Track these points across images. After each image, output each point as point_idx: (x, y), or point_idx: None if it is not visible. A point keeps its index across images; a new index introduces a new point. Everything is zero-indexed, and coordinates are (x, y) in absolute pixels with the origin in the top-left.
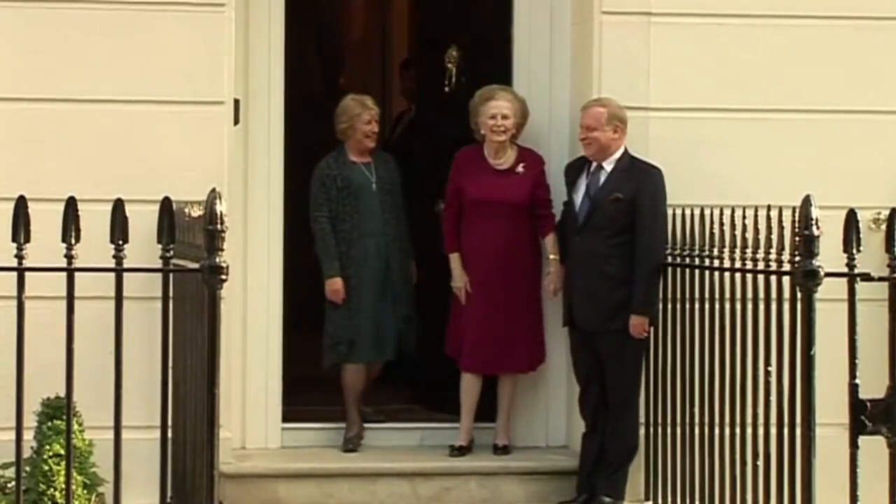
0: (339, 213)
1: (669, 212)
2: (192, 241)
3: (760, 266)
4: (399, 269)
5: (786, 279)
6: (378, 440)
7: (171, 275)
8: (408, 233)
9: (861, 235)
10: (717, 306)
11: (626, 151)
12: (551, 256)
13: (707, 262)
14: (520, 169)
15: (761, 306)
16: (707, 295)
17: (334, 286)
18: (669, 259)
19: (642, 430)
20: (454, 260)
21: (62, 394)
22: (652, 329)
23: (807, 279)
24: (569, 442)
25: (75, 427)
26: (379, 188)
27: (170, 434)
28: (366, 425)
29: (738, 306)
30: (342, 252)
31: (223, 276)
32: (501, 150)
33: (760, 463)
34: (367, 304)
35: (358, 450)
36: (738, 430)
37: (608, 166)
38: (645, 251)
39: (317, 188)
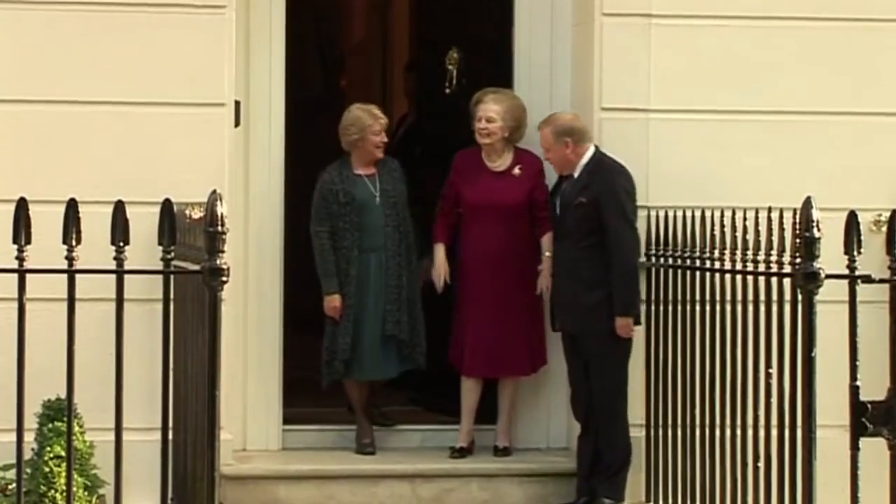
0: (340, 229)
1: (671, 214)
2: (192, 242)
3: (761, 268)
4: (398, 286)
5: (787, 281)
6: (379, 441)
7: (171, 276)
8: (414, 244)
9: (862, 237)
10: (717, 308)
11: (594, 154)
12: (546, 254)
13: (708, 263)
14: (516, 171)
15: (762, 308)
16: (708, 297)
17: (332, 303)
18: (671, 261)
19: (643, 432)
20: (439, 249)
21: (63, 395)
22: (654, 330)
23: (808, 281)
24: (569, 444)
25: (76, 429)
26: (383, 202)
27: (170, 436)
28: (406, 426)
29: (739, 308)
30: (341, 269)
31: (224, 278)
32: (495, 153)
33: (761, 464)
34: (366, 322)
35: (376, 452)
36: (738, 432)
37: (576, 173)
38: (615, 252)
39: (319, 202)
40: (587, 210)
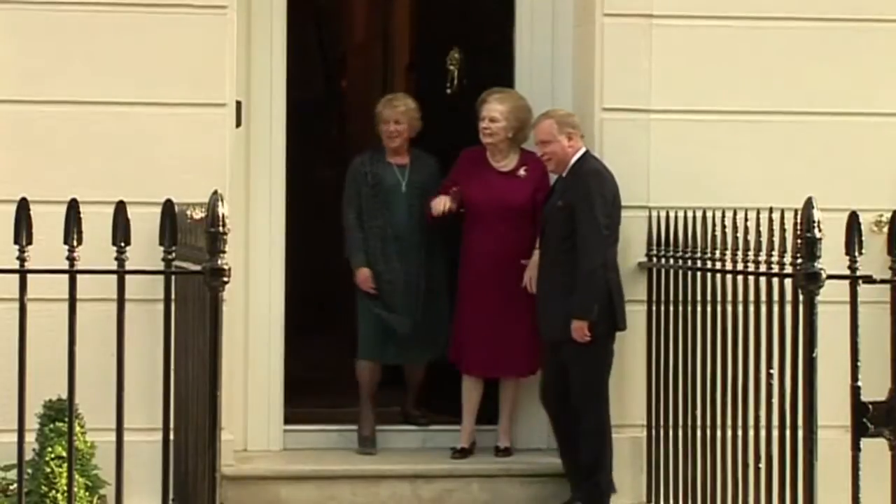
0: (369, 209)
1: (672, 214)
2: (194, 243)
3: (762, 268)
4: (421, 274)
5: (788, 281)
6: (380, 442)
7: (172, 277)
8: (440, 238)
9: (863, 238)
10: (718, 309)
11: (582, 156)
12: (536, 249)
13: (709, 264)
14: (521, 172)
15: (763, 309)
16: (709, 297)
17: (362, 276)
18: (672, 261)
19: (644, 432)
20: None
21: (64, 396)
22: (655, 331)
23: (809, 282)
24: None
25: (77, 429)
26: (409, 192)
27: (171, 436)
28: (407, 427)
29: (740, 309)
30: (375, 247)
31: (225, 279)
32: (499, 153)
33: (762, 465)
34: (397, 308)
35: (376, 452)
36: (739, 433)
37: (565, 172)
38: (581, 257)
39: (349, 184)
40: (565, 214)
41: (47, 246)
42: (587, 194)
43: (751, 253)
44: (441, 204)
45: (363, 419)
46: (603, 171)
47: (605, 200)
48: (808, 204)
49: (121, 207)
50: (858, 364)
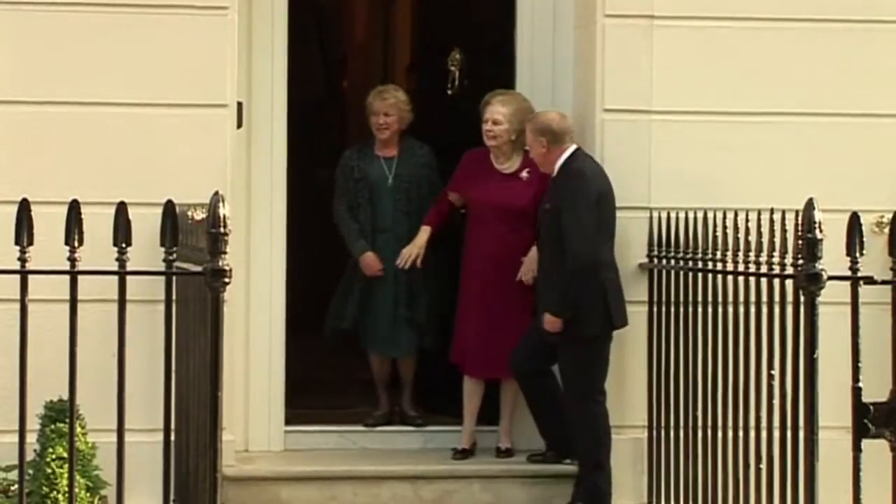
0: (355, 203)
1: (673, 215)
2: (195, 244)
3: (763, 269)
4: (410, 269)
5: (789, 283)
6: (381, 443)
7: (174, 278)
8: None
9: (864, 239)
10: (720, 309)
11: (571, 157)
12: (533, 246)
13: (710, 265)
14: (524, 174)
15: (764, 310)
16: (710, 298)
17: (366, 261)
18: (673, 262)
19: (645, 433)
20: (423, 231)
21: (65, 396)
22: (656, 332)
23: (810, 283)
24: None
25: (78, 430)
26: (395, 185)
27: (172, 437)
28: (408, 427)
29: (742, 310)
30: None
31: (226, 279)
32: (502, 155)
33: (763, 466)
34: (380, 299)
35: (378, 425)
36: (741, 433)
37: (554, 175)
38: (568, 257)
39: (338, 178)
40: (553, 215)
41: (48, 246)
42: (569, 195)
43: (752, 254)
44: (407, 258)
45: (377, 402)
46: (587, 170)
47: (588, 200)
48: (809, 205)
49: (122, 208)
50: (860, 365)
